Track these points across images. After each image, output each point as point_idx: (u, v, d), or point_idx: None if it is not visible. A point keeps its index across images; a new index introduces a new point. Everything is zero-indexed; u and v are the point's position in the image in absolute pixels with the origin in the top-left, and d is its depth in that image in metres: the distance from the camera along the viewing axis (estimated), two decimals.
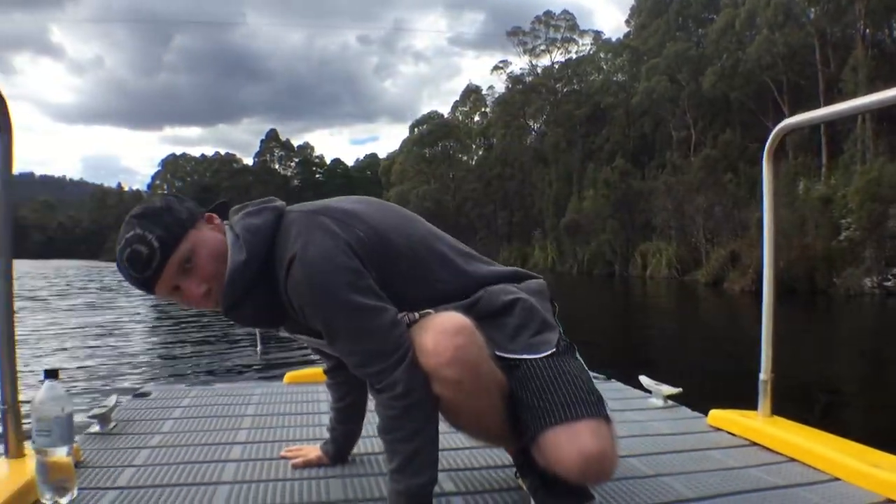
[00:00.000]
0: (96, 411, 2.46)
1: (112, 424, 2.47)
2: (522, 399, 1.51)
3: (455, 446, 2.16)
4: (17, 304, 1.89)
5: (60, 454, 1.68)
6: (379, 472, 1.95)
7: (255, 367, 8.77)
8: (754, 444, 2.19)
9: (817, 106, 4.46)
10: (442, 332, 1.44)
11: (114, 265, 1.62)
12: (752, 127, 34.62)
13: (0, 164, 1.87)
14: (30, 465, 1.74)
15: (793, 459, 2.01)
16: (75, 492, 1.73)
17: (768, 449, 2.12)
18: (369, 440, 2.16)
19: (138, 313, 17.70)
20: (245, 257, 1.49)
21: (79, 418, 2.96)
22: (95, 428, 2.42)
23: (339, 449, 2.05)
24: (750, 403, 2.35)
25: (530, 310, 1.60)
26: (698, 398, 2.80)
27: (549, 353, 1.54)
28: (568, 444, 1.42)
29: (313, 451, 2.07)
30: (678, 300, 23.44)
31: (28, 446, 1.83)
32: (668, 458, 2.09)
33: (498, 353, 1.52)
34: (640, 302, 22.96)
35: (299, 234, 1.49)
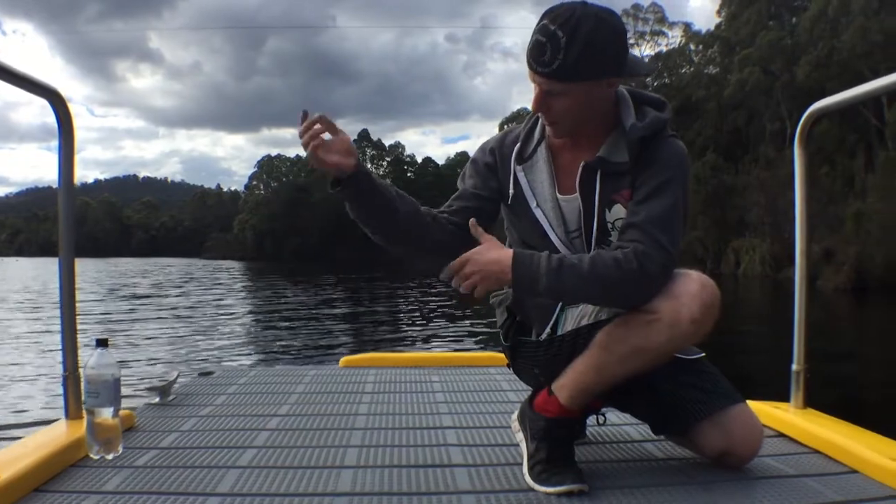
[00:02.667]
0: (155, 384, 2.65)
1: (171, 397, 2.65)
2: (690, 384, 1.75)
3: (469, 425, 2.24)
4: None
5: (107, 415, 1.86)
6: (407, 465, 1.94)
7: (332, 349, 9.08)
8: (781, 435, 2.12)
9: None
10: (714, 289, 1.59)
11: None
12: (849, 118, 33.12)
13: (62, 164, 2.02)
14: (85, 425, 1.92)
15: (816, 451, 1.94)
16: (120, 449, 1.90)
17: (793, 440, 2.05)
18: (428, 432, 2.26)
19: (226, 304, 18.47)
20: (645, 123, 1.66)
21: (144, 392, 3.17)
22: (155, 399, 2.61)
23: (371, 184, 1.67)
24: (836, 411, 2.24)
25: None
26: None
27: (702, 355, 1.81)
28: (750, 421, 1.76)
29: (340, 146, 1.69)
30: (766, 298, 22.74)
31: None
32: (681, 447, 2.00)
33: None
34: (729, 301, 22.35)
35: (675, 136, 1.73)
